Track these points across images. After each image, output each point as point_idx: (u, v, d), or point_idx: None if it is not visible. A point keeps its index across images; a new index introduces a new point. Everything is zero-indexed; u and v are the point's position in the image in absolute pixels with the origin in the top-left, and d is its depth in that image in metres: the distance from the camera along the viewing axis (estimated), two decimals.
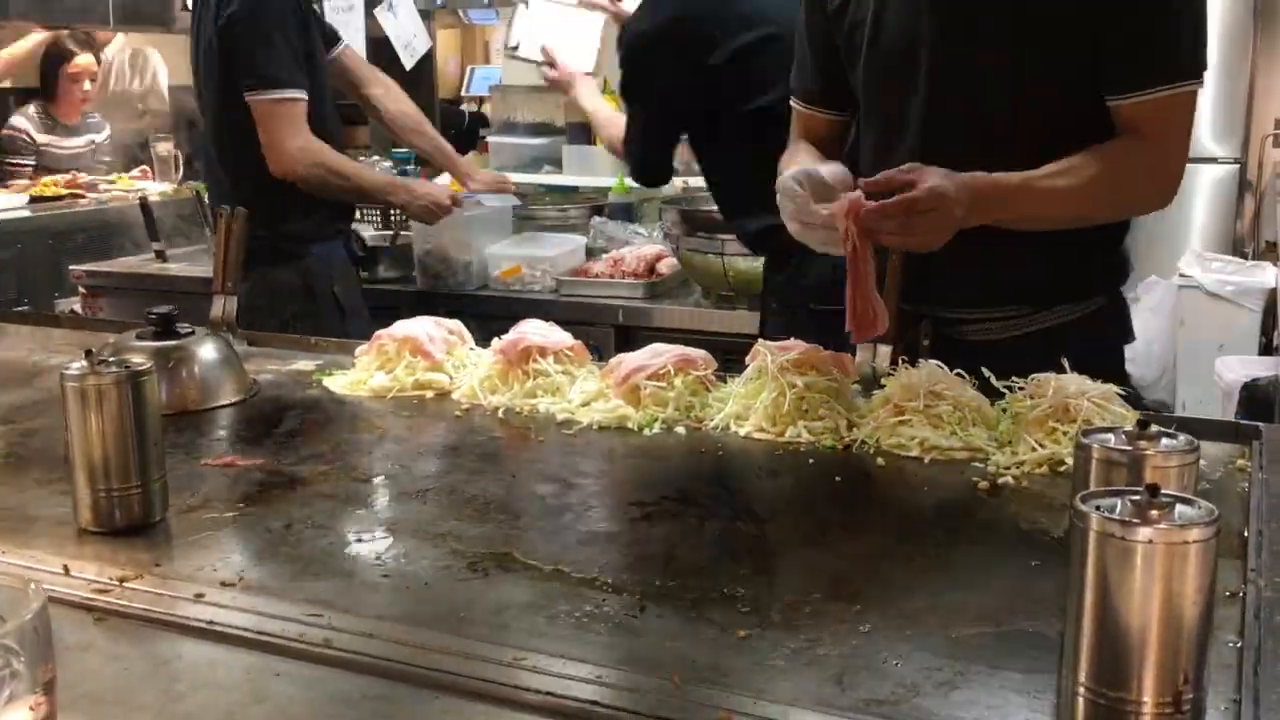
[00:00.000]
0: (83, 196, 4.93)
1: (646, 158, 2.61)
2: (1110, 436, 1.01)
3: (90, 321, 2.45)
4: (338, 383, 1.85)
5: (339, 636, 0.99)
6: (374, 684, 0.93)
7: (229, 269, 2.09)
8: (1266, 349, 4.64)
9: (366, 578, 1.14)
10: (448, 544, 1.21)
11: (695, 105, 2.45)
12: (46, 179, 5.05)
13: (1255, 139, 6.56)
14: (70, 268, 3.75)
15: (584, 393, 1.70)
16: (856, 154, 1.92)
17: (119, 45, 5.87)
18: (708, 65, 2.38)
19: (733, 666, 0.95)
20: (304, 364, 1.99)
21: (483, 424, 1.66)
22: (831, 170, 1.71)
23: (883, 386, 1.59)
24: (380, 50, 4.35)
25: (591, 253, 3.49)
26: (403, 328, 1.88)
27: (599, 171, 4.12)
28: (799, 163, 1.81)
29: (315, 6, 3.03)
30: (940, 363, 1.58)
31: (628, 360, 1.71)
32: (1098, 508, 0.79)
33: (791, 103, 2.01)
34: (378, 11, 4.38)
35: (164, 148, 5.23)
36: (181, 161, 5.14)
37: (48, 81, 5.36)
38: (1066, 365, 1.50)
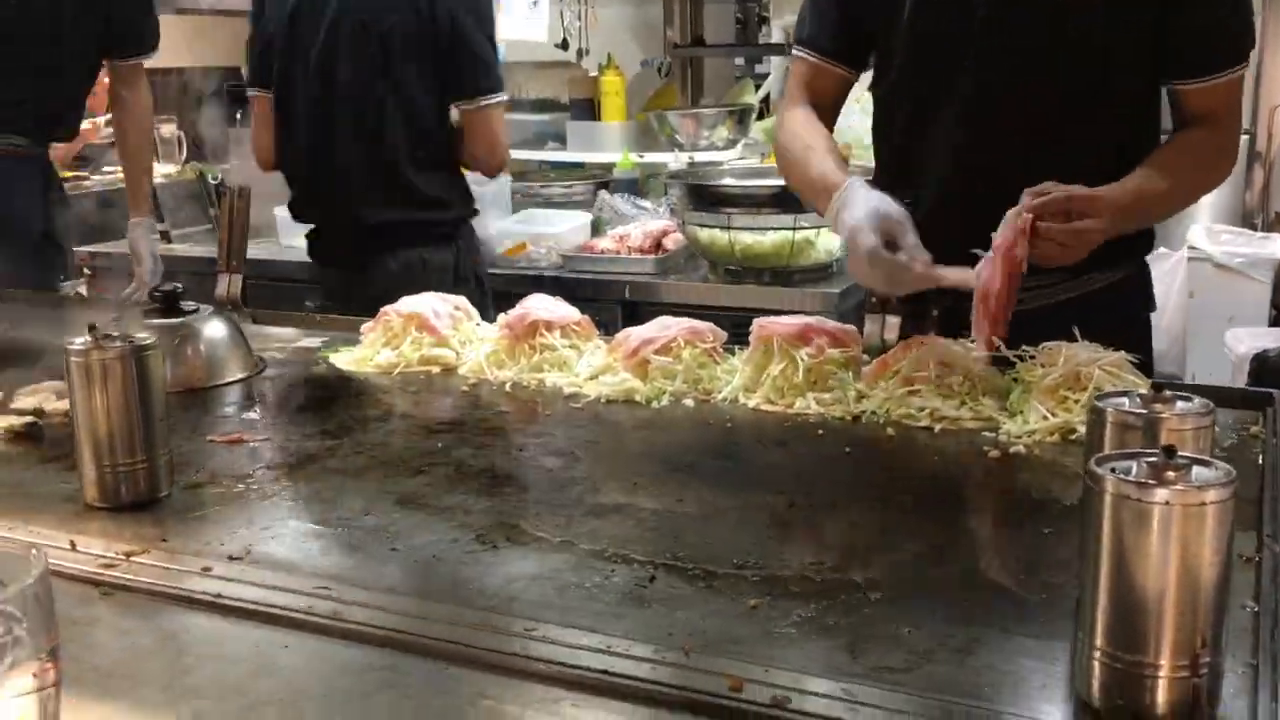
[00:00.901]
0: (86, 179, 4.92)
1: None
2: (1125, 400, 0.99)
3: (96, 302, 2.44)
4: (344, 359, 1.84)
5: (348, 609, 0.98)
6: (383, 655, 0.92)
7: (234, 247, 2.08)
8: (1277, 321, 4.62)
9: (374, 551, 1.13)
10: (456, 517, 1.21)
11: None
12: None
13: (1264, 110, 6.51)
14: (75, 249, 3.74)
15: (591, 366, 1.69)
16: (884, 128, 1.88)
17: None
18: None
19: (743, 636, 0.94)
20: (310, 341, 1.99)
21: (489, 398, 1.66)
22: (889, 204, 1.58)
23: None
24: None
25: (597, 229, 3.47)
26: (408, 304, 1.87)
27: (604, 147, 4.10)
28: (815, 149, 1.75)
29: None
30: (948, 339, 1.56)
31: (635, 334, 1.69)
32: (1113, 470, 0.78)
33: (797, 51, 1.91)
34: None
35: (167, 129, 5.21)
36: (185, 143, 5.12)
37: None
38: (1078, 334, 1.48)
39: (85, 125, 5.33)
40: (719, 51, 4.85)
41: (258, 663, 0.92)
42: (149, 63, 3.24)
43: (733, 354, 1.68)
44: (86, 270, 3.65)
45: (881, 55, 1.84)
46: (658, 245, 3.22)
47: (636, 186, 3.83)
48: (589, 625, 0.95)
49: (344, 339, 1.93)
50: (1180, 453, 0.78)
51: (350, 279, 2.73)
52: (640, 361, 1.65)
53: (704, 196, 2.97)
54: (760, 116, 4.29)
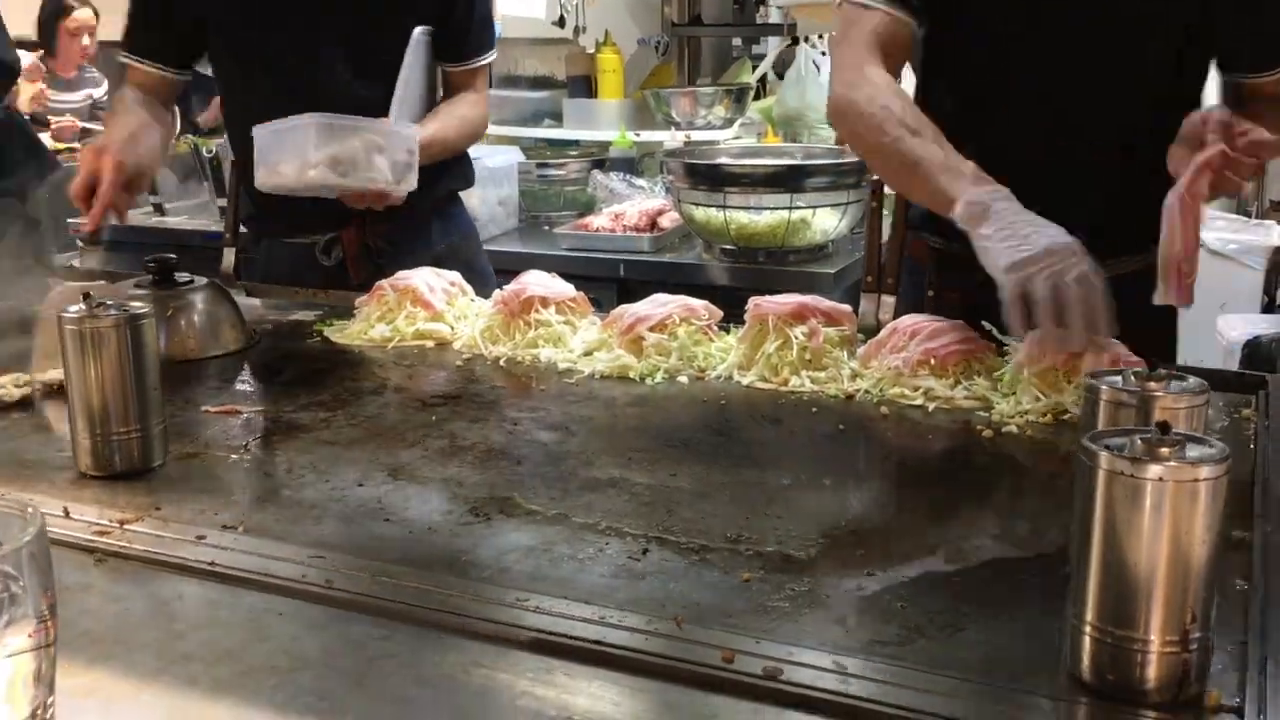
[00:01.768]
0: (75, 150, 4.90)
1: None
2: (1119, 378, 1.00)
3: (90, 273, 2.43)
4: (338, 333, 1.84)
5: (341, 577, 0.98)
6: (377, 624, 0.93)
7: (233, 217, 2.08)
8: (1269, 307, 4.63)
9: (369, 522, 1.14)
10: (449, 489, 1.21)
11: None
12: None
13: None
14: (68, 221, 3.73)
15: (586, 343, 1.69)
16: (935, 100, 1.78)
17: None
18: None
19: (736, 609, 0.95)
20: (304, 314, 1.98)
21: (484, 373, 1.66)
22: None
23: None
24: None
25: (592, 207, 3.46)
26: (403, 278, 1.86)
27: (600, 125, 4.09)
28: (925, 133, 1.53)
29: None
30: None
31: (630, 310, 1.69)
32: (1107, 446, 0.78)
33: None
34: None
35: None
36: (179, 115, 5.10)
37: (46, 36, 5.32)
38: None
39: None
40: (717, 31, 4.83)
41: (251, 629, 0.92)
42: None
43: (728, 332, 1.68)
44: (80, 242, 3.63)
45: (951, 12, 1.69)
46: (653, 224, 3.22)
47: (633, 164, 3.82)
48: (582, 597, 0.95)
49: (339, 313, 1.93)
50: (1174, 430, 0.79)
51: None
52: (635, 338, 1.65)
53: (700, 175, 2.97)
54: (758, 96, 4.28)
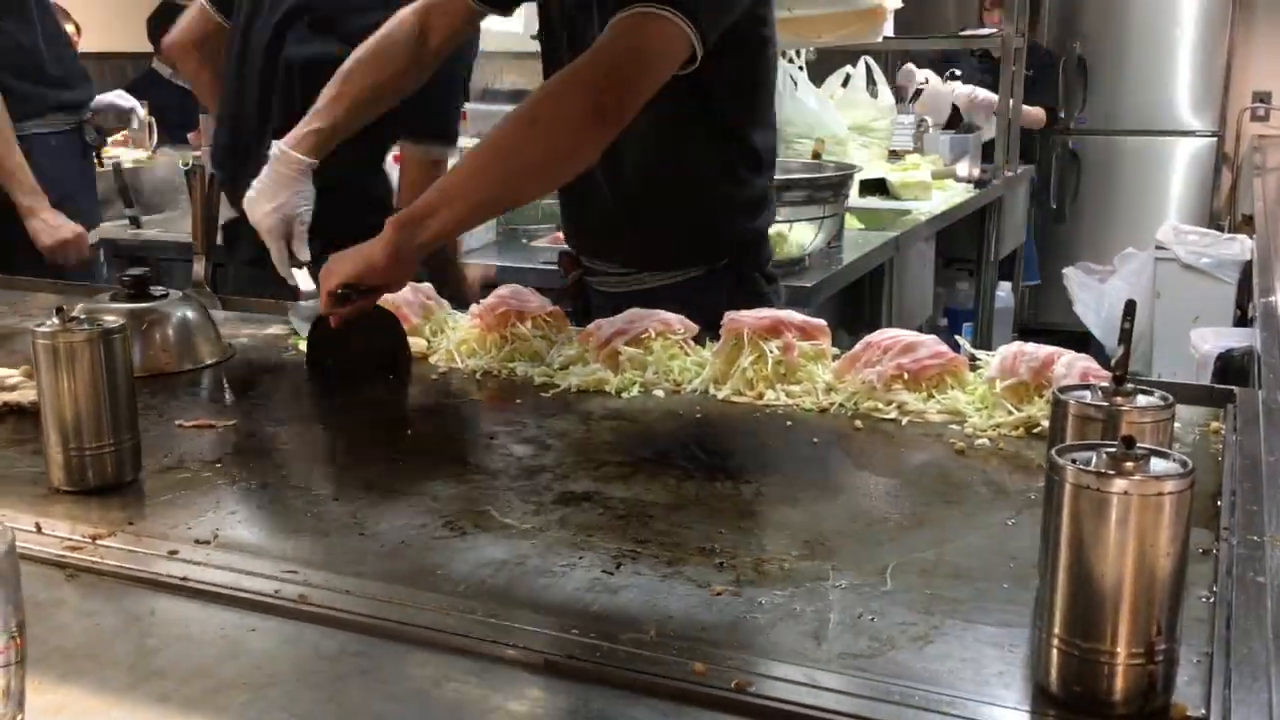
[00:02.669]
0: None
1: None
2: (1086, 393, 1.01)
3: (65, 285, 2.42)
4: None
5: (315, 592, 0.98)
6: (350, 639, 0.93)
7: (206, 230, 2.07)
8: (1241, 320, 4.67)
9: (343, 536, 1.13)
10: (424, 503, 1.21)
11: None
12: None
13: (1233, 112, 6.60)
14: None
15: (563, 357, 1.69)
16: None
17: None
18: None
19: (709, 622, 0.95)
20: (280, 328, 1.98)
21: (460, 386, 1.66)
22: None
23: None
24: None
25: None
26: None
27: None
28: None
29: None
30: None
31: (606, 325, 1.70)
32: (1073, 460, 0.79)
33: None
34: None
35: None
36: (155, 127, 5.07)
37: None
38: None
39: None
40: None
41: (224, 645, 0.92)
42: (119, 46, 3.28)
43: (703, 346, 1.69)
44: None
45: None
46: None
47: None
48: (556, 611, 0.96)
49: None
50: (1139, 444, 0.80)
51: None
52: (611, 352, 1.65)
53: None
54: None
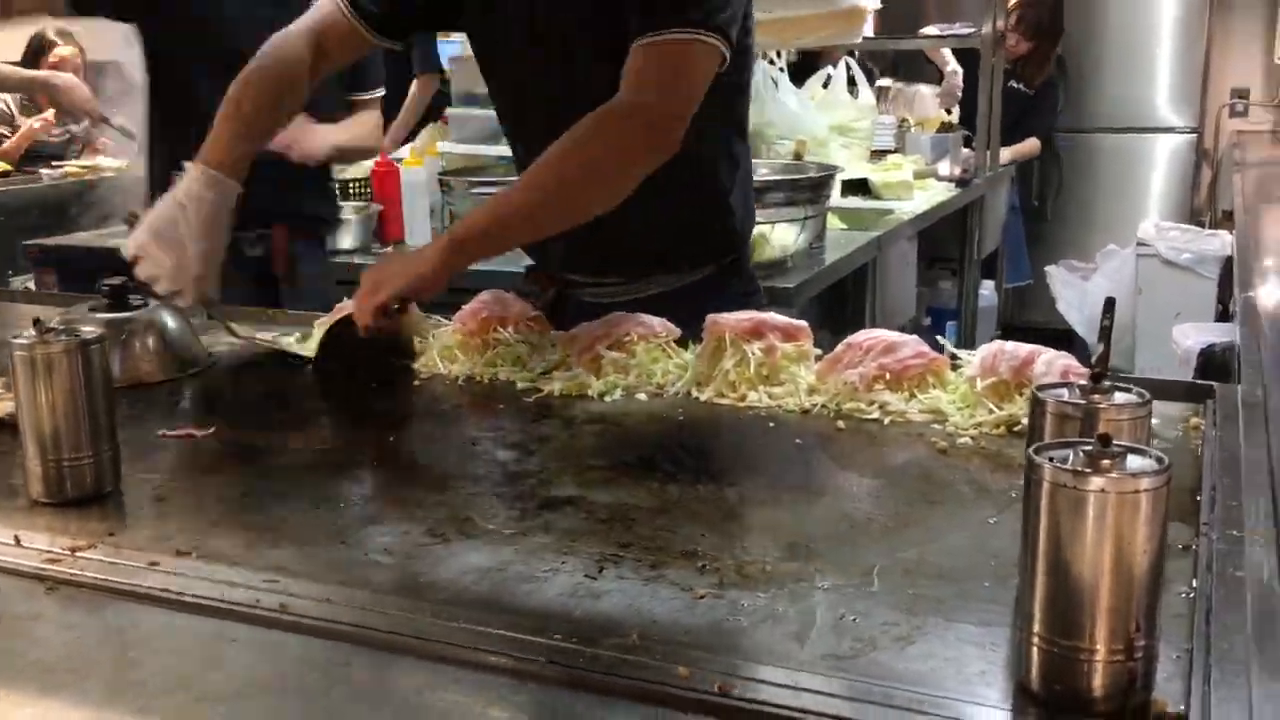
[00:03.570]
0: (34, 174, 4.88)
1: None
2: (1064, 391, 1.01)
3: (44, 296, 2.41)
4: (300, 345, 1.83)
5: (296, 602, 0.98)
6: (332, 649, 0.92)
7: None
8: (1223, 316, 4.70)
9: (324, 545, 1.13)
10: (407, 510, 1.21)
11: None
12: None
13: (1212, 109, 6.63)
14: (24, 243, 3.69)
15: (545, 362, 1.69)
16: None
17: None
18: None
19: (692, 625, 0.95)
20: (261, 335, 1.97)
21: (442, 392, 1.65)
22: None
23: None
24: None
25: None
26: None
27: None
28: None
29: None
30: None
31: (587, 329, 1.70)
32: (1051, 459, 0.80)
33: None
34: None
35: (119, 121, 5.16)
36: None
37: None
38: None
39: (35, 123, 5.31)
40: None
41: (205, 656, 0.92)
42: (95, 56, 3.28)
43: (685, 349, 1.69)
44: (35, 264, 3.60)
45: None
46: None
47: None
48: (539, 617, 0.96)
49: (297, 333, 1.92)
50: (1116, 442, 0.80)
51: None
52: (593, 356, 1.65)
53: None
54: None
